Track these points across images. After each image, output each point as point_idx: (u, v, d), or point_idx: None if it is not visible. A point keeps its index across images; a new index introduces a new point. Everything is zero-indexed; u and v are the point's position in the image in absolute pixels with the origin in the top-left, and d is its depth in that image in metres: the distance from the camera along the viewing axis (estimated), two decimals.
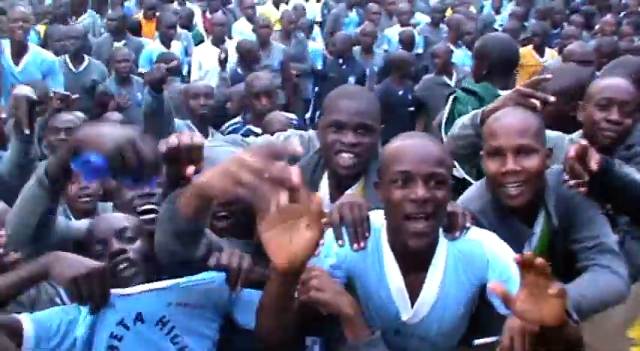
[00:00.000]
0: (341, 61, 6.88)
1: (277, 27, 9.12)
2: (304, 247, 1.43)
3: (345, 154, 2.10)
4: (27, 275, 1.68)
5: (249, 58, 5.88)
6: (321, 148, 2.19)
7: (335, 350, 1.84)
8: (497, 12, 9.68)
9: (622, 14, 8.87)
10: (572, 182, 2.02)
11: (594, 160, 1.98)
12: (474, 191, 2.18)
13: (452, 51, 6.30)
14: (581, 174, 2.00)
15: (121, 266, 1.86)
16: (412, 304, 1.82)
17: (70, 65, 5.99)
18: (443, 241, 1.83)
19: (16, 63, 5.08)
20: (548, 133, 2.21)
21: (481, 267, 1.81)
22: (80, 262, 1.68)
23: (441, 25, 8.01)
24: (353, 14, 9.19)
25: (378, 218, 1.83)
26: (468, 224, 1.86)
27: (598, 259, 2.02)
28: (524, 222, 2.08)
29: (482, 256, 1.81)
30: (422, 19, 9.26)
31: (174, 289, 1.84)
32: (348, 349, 1.71)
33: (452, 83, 5.81)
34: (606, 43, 4.93)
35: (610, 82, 2.47)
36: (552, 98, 2.22)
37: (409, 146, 1.78)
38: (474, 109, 2.64)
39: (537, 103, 2.27)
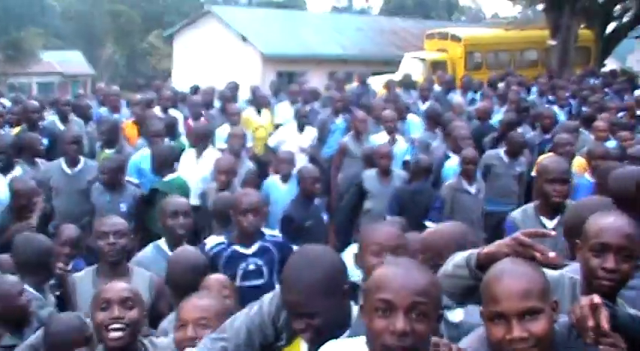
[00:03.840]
0: None
1: (260, 134, 9.24)
2: None
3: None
4: None
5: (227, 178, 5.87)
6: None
7: None
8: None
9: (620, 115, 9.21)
10: (588, 339, 1.93)
11: (604, 319, 1.90)
12: (474, 340, 2.07)
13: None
14: (591, 329, 1.92)
15: None
16: None
17: (65, 167, 5.98)
18: None
19: None
20: (547, 272, 2.13)
21: None
22: None
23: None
24: (339, 120, 9.32)
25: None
26: None
27: None
28: None
29: None
30: (413, 120, 9.41)
31: None
32: None
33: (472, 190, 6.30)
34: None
35: (606, 224, 2.31)
36: (553, 254, 2.11)
37: (393, 274, 1.77)
38: None
39: (538, 255, 2.11)
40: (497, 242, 2.22)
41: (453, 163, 6.97)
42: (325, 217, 6.07)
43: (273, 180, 6.83)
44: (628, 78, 16.78)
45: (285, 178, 6.72)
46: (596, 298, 1.95)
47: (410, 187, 6.61)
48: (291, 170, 6.65)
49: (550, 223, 4.01)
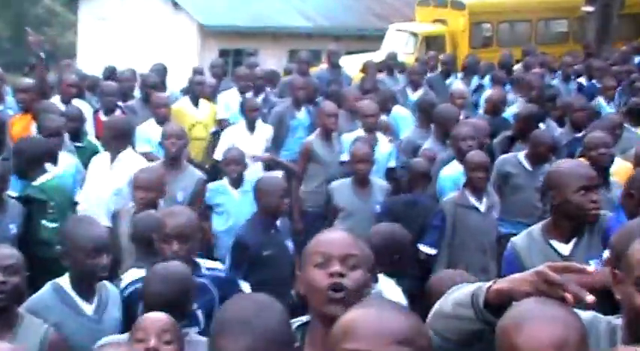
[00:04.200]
0: None
1: (198, 133, 9.23)
2: None
3: None
4: None
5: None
6: None
7: None
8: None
9: None
10: None
11: None
12: None
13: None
14: None
15: None
16: None
17: None
18: None
19: None
20: (579, 314, 2.16)
21: None
22: None
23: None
24: (302, 114, 9.35)
25: None
26: None
27: None
28: None
29: None
30: (400, 113, 9.50)
31: None
32: None
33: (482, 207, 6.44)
34: None
35: None
36: (591, 298, 2.11)
37: (364, 318, 1.90)
38: None
39: (569, 296, 2.11)
40: (514, 277, 2.24)
41: (452, 171, 7.02)
42: (290, 244, 6.08)
43: (224, 185, 6.90)
44: None
45: (236, 183, 6.73)
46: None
47: (402, 198, 6.64)
48: (242, 172, 6.73)
49: (565, 248, 4.07)
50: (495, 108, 9.35)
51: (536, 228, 4.24)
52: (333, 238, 2.58)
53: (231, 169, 6.90)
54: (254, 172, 7.73)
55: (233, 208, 6.77)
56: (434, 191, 7.09)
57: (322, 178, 7.75)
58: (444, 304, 2.42)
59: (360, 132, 8.14)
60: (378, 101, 8.94)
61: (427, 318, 2.42)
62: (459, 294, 2.38)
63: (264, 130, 8.71)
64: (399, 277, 4.99)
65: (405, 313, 1.94)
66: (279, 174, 7.90)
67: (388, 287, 4.74)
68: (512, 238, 4.31)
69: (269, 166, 8.53)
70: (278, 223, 5.91)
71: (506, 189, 7.17)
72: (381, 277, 4.75)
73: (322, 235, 2.63)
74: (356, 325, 1.91)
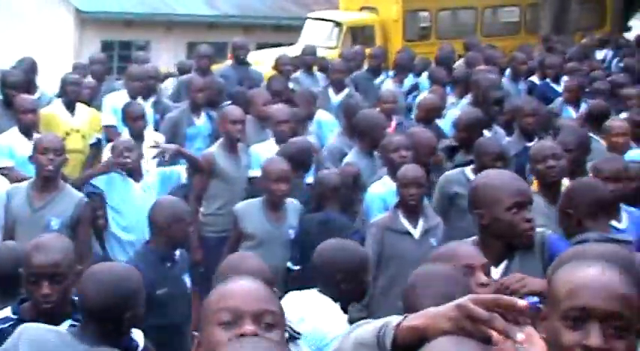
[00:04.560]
0: None
1: (73, 144, 9.14)
2: None
3: None
4: None
5: None
6: None
7: None
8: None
9: None
10: None
11: None
12: None
13: None
14: None
15: None
16: None
17: None
18: None
19: None
20: None
21: None
22: None
23: None
24: (201, 121, 9.38)
25: None
26: None
27: None
28: None
29: None
30: (322, 118, 9.56)
31: None
32: None
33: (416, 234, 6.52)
34: None
35: (586, 279, 2.38)
36: (521, 337, 2.15)
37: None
38: None
39: (495, 334, 2.14)
40: (430, 312, 2.25)
41: (382, 188, 7.10)
42: (188, 279, 6.07)
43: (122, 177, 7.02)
44: None
45: (135, 176, 6.85)
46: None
47: (316, 218, 6.70)
48: (138, 164, 6.85)
49: (494, 273, 4.10)
50: (428, 115, 9.42)
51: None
52: (246, 289, 2.50)
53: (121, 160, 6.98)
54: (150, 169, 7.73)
55: (133, 209, 6.78)
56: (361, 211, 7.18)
57: (226, 198, 7.72)
58: (345, 344, 2.44)
59: (271, 142, 8.17)
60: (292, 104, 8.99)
61: None
62: (362, 331, 2.39)
63: (155, 141, 8.64)
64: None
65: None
66: (181, 169, 7.82)
67: (328, 315, 4.75)
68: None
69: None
70: (177, 253, 5.90)
71: (452, 212, 7.17)
72: (324, 301, 4.77)
73: (230, 285, 2.53)
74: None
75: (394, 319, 2.30)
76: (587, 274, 2.38)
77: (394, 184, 6.73)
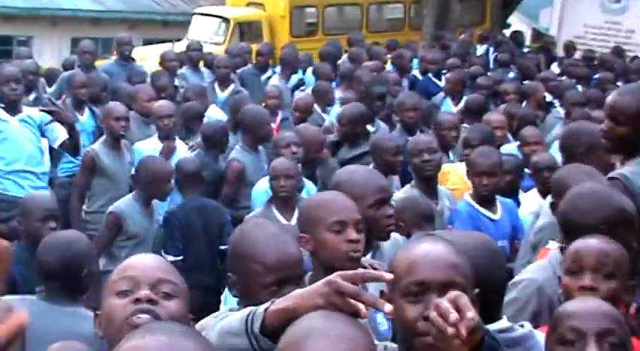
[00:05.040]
0: None
1: None
2: None
3: None
4: None
5: None
6: None
7: None
8: None
9: None
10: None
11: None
12: None
13: None
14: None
15: None
16: None
17: None
18: None
19: None
20: None
21: None
22: None
23: None
24: (85, 117, 9.33)
25: None
26: None
27: None
28: None
29: None
30: (214, 114, 9.58)
31: None
32: None
33: None
34: None
35: (421, 254, 2.54)
36: (389, 307, 2.21)
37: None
38: None
39: (362, 307, 2.22)
40: (300, 292, 2.32)
41: (267, 185, 7.11)
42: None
43: None
44: (542, 46, 17.89)
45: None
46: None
47: (187, 204, 6.86)
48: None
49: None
50: (303, 115, 9.50)
51: None
52: (144, 261, 2.59)
53: None
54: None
55: None
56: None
57: (109, 196, 7.65)
58: (210, 335, 2.48)
59: (154, 139, 8.13)
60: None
61: None
62: (229, 321, 2.44)
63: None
64: None
65: (195, 337, 1.97)
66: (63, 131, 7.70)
67: None
68: None
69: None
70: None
71: None
72: None
73: (129, 259, 2.62)
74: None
75: (262, 306, 2.36)
76: (421, 249, 2.51)
77: None
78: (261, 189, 7.10)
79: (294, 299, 2.31)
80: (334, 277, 2.27)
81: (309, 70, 13.00)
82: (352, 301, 2.22)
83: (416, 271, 2.44)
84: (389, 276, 2.35)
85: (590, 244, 3.34)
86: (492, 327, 2.86)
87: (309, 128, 8.08)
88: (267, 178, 7.09)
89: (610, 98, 4.85)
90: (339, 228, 3.64)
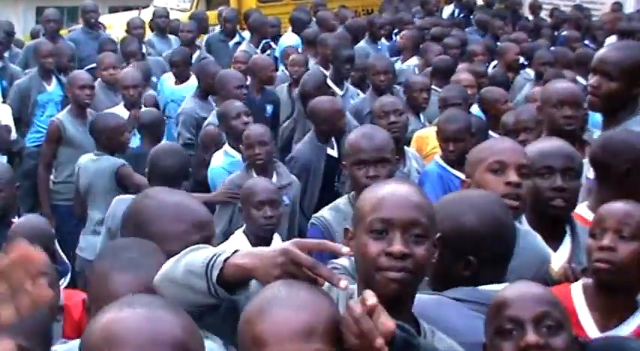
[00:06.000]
0: None
1: None
2: None
3: None
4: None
5: None
6: None
7: None
8: None
9: None
10: None
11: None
12: None
13: None
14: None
15: None
16: None
17: None
18: None
19: None
20: None
21: None
22: None
23: None
24: (52, 87, 9.17)
25: None
26: None
27: None
28: None
29: None
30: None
31: None
32: None
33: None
34: None
35: (385, 194, 2.61)
36: (345, 283, 2.20)
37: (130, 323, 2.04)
38: None
39: (319, 280, 2.27)
40: (260, 253, 2.32)
41: (219, 162, 7.00)
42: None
43: None
44: (508, 6, 17.83)
45: None
46: (372, 299, 2.13)
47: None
48: None
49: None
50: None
51: (343, 200, 4.55)
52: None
53: None
54: None
55: None
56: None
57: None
58: (175, 267, 2.46)
59: (120, 107, 8.06)
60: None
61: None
62: (193, 258, 2.42)
63: (2, 112, 8.47)
64: None
65: (175, 310, 2.02)
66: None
67: None
68: (319, 214, 4.55)
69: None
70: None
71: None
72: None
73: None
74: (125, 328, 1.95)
75: (224, 254, 2.35)
76: (387, 189, 2.61)
77: (234, 153, 6.80)
78: (218, 166, 6.96)
79: (253, 259, 2.31)
80: (290, 245, 2.28)
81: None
82: (308, 272, 2.25)
83: (381, 209, 2.53)
84: (346, 250, 2.40)
85: (614, 206, 3.37)
86: (492, 288, 2.91)
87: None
88: (219, 153, 6.99)
89: (601, 53, 4.83)
90: (361, 166, 4.25)
